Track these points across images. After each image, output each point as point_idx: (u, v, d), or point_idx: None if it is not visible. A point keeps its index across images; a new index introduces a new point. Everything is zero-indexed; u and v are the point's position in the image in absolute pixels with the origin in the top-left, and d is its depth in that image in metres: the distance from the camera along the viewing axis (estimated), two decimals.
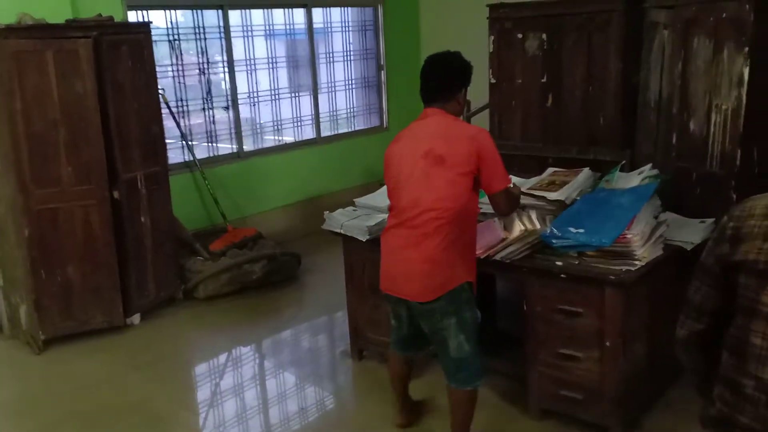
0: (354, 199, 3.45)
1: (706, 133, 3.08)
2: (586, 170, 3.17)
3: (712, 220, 3.00)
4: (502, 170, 2.42)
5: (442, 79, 2.50)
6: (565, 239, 2.62)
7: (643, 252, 2.58)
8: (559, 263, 2.64)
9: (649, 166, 3.12)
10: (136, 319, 4.05)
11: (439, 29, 6.22)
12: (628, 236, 2.55)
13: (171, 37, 4.79)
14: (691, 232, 2.90)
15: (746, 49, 2.86)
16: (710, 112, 3.06)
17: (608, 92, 3.60)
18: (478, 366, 2.54)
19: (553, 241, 2.65)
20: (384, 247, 2.54)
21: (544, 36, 3.76)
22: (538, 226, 2.88)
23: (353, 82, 6.17)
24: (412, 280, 2.42)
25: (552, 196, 2.96)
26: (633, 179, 3.00)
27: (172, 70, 4.82)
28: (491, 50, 3.99)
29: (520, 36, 3.85)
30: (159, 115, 4.15)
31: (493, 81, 4.03)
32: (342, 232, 3.24)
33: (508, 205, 2.53)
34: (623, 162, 3.34)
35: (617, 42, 3.52)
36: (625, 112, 3.57)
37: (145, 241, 4.03)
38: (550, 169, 3.34)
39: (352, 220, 3.24)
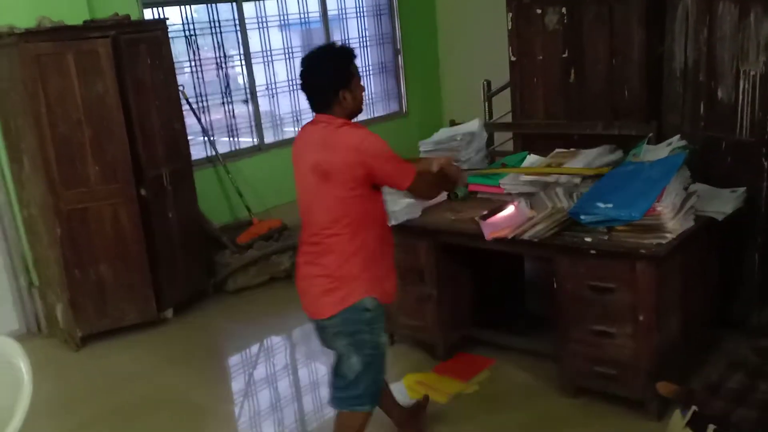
0: None
1: (735, 101, 3.01)
2: (597, 149, 3.13)
3: (743, 189, 2.94)
4: (398, 168, 2.23)
5: (313, 87, 2.25)
6: (594, 215, 2.59)
7: (674, 224, 2.54)
8: (588, 239, 2.61)
9: (677, 137, 3.06)
10: (169, 313, 4.11)
11: (455, 10, 6.15)
12: (659, 209, 2.51)
13: (187, 33, 4.82)
14: (722, 202, 2.84)
15: None
16: (738, 78, 2.99)
17: (632, 64, 3.53)
18: (368, 392, 2.32)
19: (582, 217, 2.62)
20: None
21: (563, 10, 3.69)
22: (565, 203, 2.84)
23: (370, 68, 6.14)
24: (308, 297, 2.31)
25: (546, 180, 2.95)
26: (661, 151, 2.94)
27: (190, 66, 4.85)
28: (510, 27, 3.93)
29: (539, 11, 3.78)
30: (180, 111, 4.18)
31: (513, 59, 3.97)
32: None
33: (429, 190, 2.43)
34: (650, 135, 3.29)
35: (640, 11, 3.44)
36: (651, 83, 3.50)
37: (173, 236, 4.08)
38: (556, 150, 3.30)
39: None
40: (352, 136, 2.20)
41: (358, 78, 2.27)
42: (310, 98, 2.29)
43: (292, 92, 5.47)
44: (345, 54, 2.25)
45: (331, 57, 2.25)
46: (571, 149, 3.29)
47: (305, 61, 2.28)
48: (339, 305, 2.22)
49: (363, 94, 2.31)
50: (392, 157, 2.22)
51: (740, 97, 2.99)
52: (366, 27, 6.08)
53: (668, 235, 2.52)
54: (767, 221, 3.01)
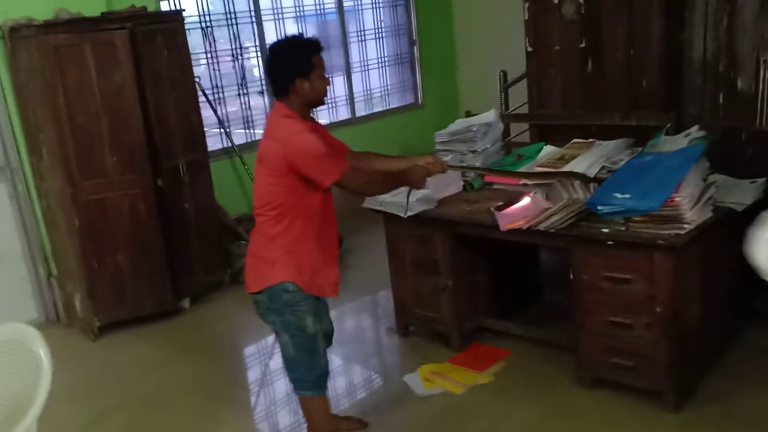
0: None
1: (755, 90, 2.96)
2: (614, 142, 3.10)
3: (763, 179, 2.90)
4: (320, 167, 2.26)
5: (272, 73, 2.33)
6: (611, 205, 2.56)
7: (693, 215, 2.51)
8: (605, 230, 2.59)
9: (696, 127, 3.02)
10: (185, 303, 4.15)
11: (471, 0, 6.12)
12: (677, 199, 2.48)
13: (203, 25, 4.83)
14: (741, 193, 2.80)
15: None
16: (759, 68, 2.93)
17: (651, 53, 3.49)
18: (307, 377, 2.43)
19: (599, 207, 2.59)
20: None
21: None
22: (581, 194, 2.82)
23: (386, 59, 6.13)
24: (245, 272, 2.47)
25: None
26: (680, 142, 2.91)
27: (206, 58, 4.87)
28: (526, 18, 3.90)
29: (556, 1, 3.75)
30: (196, 103, 4.20)
31: (529, 49, 3.94)
32: (382, 209, 3.24)
33: (363, 186, 2.43)
34: (668, 125, 3.25)
35: (659, 0, 3.39)
36: (670, 73, 3.46)
37: (190, 227, 4.11)
38: (573, 141, 3.28)
39: (393, 197, 3.23)
40: (284, 129, 2.30)
41: (321, 71, 2.31)
42: (270, 84, 2.40)
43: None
44: (307, 44, 2.31)
45: (293, 46, 2.31)
46: (589, 140, 3.26)
47: (270, 48, 2.39)
48: (261, 284, 2.36)
49: (326, 87, 2.35)
50: (317, 155, 2.25)
51: (761, 86, 2.94)
52: (382, 18, 6.06)
53: (686, 225, 2.49)
54: None
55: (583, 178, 2.84)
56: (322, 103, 2.41)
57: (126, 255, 3.87)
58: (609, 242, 2.58)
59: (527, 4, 3.88)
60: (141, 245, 3.90)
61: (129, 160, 3.79)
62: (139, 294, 3.95)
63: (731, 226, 2.82)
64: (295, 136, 2.26)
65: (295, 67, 2.27)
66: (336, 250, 2.52)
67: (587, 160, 2.97)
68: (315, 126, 2.44)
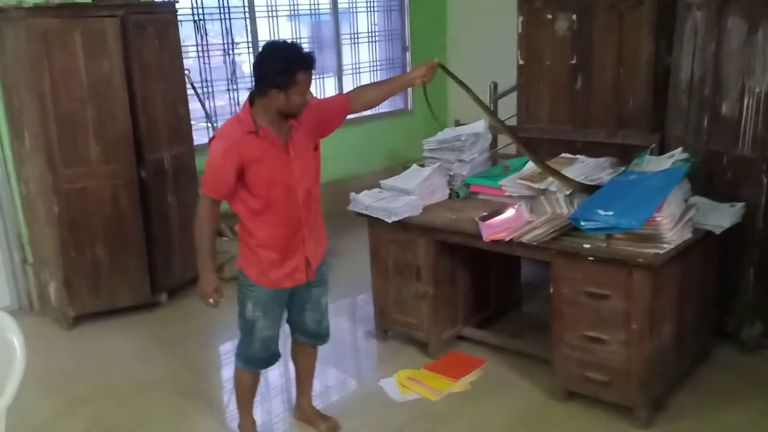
0: (380, 181, 3.45)
1: (739, 116, 3.03)
2: (597, 160, 3.18)
3: (742, 204, 2.96)
4: (204, 177, 2.39)
5: (255, 72, 2.32)
6: (594, 221, 2.60)
7: (672, 235, 2.56)
8: (587, 245, 2.62)
9: (679, 149, 3.07)
10: (163, 297, 4.11)
11: (465, 10, 6.15)
12: (658, 219, 2.52)
13: (196, 17, 4.80)
14: (720, 216, 2.86)
15: None
16: (743, 94, 3.00)
17: (639, 74, 3.55)
18: (241, 350, 2.61)
19: (582, 223, 2.63)
20: None
21: (574, 16, 3.70)
22: (565, 209, 2.85)
23: (378, 63, 6.13)
24: None
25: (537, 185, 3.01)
26: (663, 162, 2.96)
27: (197, 51, 4.84)
28: (520, 31, 3.94)
29: (549, 16, 3.79)
30: (185, 95, 4.16)
31: (521, 62, 3.98)
32: (367, 213, 3.25)
33: (198, 210, 2.44)
34: (653, 145, 3.31)
35: (649, 23, 3.46)
36: (656, 94, 3.52)
37: (171, 220, 4.07)
38: (561, 155, 3.34)
39: (378, 202, 3.24)
40: (220, 130, 2.42)
41: (303, 88, 2.28)
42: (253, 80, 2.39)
43: None
44: (297, 59, 2.26)
45: (283, 56, 2.26)
46: (575, 156, 3.30)
47: (263, 47, 2.36)
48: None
49: (304, 103, 2.32)
50: (209, 165, 2.37)
51: (744, 112, 3.01)
52: (375, 22, 6.07)
53: (666, 245, 2.54)
54: (764, 237, 3.03)
55: (582, 188, 2.89)
56: (294, 117, 2.37)
57: (105, 246, 3.82)
58: (590, 258, 2.61)
59: (521, 18, 3.92)
60: (121, 237, 3.85)
61: (113, 150, 3.75)
62: (116, 286, 3.90)
63: (709, 248, 2.89)
64: (212, 142, 2.38)
65: (276, 77, 2.25)
66: (300, 245, 2.49)
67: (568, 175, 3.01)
68: (294, 125, 2.40)
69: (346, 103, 2.61)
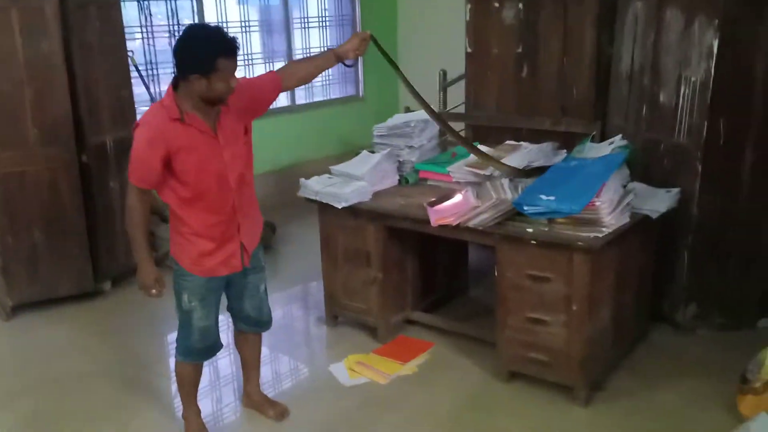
0: (330, 167, 3.45)
1: (675, 105, 3.14)
2: (539, 145, 3.28)
3: (677, 189, 3.09)
4: (130, 166, 2.29)
5: (175, 57, 2.22)
6: (537, 206, 2.66)
7: (611, 219, 2.64)
8: (529, 230, 2.69)
9: (619, 136, 3.17)
10: (106, 285, 4.01)
11: None
12: (597, 203, 2.60)
13: None
14: (657, 202, 2.97)
15: (716, 22, 2.91)
16: (680, 84, 3.11)
17: (582, 64, 3.63)
18: (181, 342, 2.56)
19: (525, 208, 2.69)
20: None
21: (520, 5, 3.75)
22: (509, 194, 2.92)
23: (329, 48, 6.08)
24: None
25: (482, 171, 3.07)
26: (603, 149, 3.06)
27: (141, 33, 4.70)
28: (468, 19, 3.97)
29: (497, 5, 3.83)
30: (128, 78, 4.06)
31: (469, 50, 4.02)
32: (317, 199, 3.24)
33: (127, 202, 2.35)
34: (594, 133, 3.40)
35: (592, 13, 3.54)
36: (598, 83, 3.61)
37: (114, 207, 3.95)
38: (506, 143, 3.42)
39: (328, 188, 3.24)
40: (142, 117, 2.30)
41: (226, 74, 2.18)
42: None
43: (246, 67, 5.38)
44: (218, 45, 2.17)
45: (202, 41, 2.18)
46: (519, 143, 3.37)
47: (182, 32, 2.27)
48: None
49: (228, 89, 2.22)
50: (133, 153, 2.27)
51: (680, 101, 3.12)
52: (326, 7, 6.02)
53: (604, 229, 2.62)
54: (698, 222, 3.16)
55: (518, 173, 2.94)
56: (223, 102, 2.28)
57: (43, 232, 3.70)
58: (532, 241, 2.68)
59: (469, 6, 3.95)
60: (60, 223, 3.73)
61: (52, 133, 3.62)
62: (56, 274, 3.79)
63: (646, 232, 3.00)
64: (137, 128, 2.26)
65: (195, 62, 2.15)
66: (235, 231, 2.43)
67: (512, 161, 3.07)
68: (222, 111, 2.31)
69: (278, 80, 2.53)
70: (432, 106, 3.05)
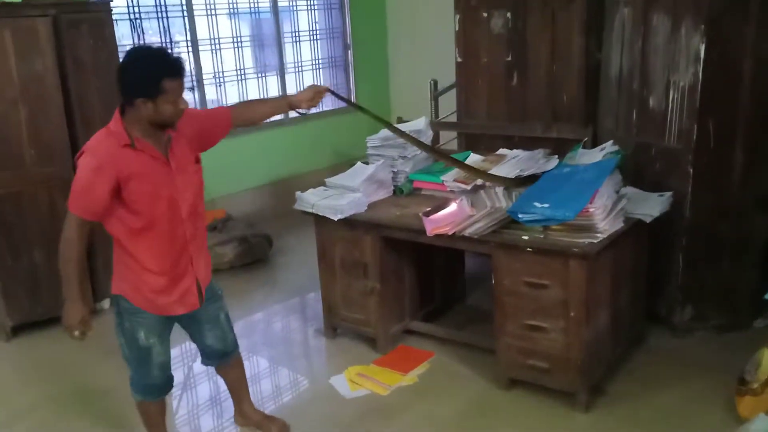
0: (325, 179, 3.47)
1: (665, 109, 3.18)
2: (529, 153, 3.30)
3: (670, 193, 3.12)
4: (72, 196, 2.19)
5: (119, 80, 2.17)
6: (531, 214, 2.69)
7: (605, 225, 2.67)
8: (525, 237, 2.71)
9: (610, 142, 3.21)
10: (105, 304, 4.01)
11: (405, 8, 6.22)
12: (591, 210, 2.63)
13: (132, 16, 4.70)
14: (650, 206, 3.00)
15: (703, 26, 2.95)
16: (668, 88, 3.15)
17: (572, 70, 3.67)
18: (137, 381, 2.49)
19: (520, 215, 2.72)
20: None
21: (508, 14, 3.80)
22: (504, 202, 2.94)
23: (320, 62, 6.13)
24: None
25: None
26: (595, 155, 3.09)
27: None
28: (457, 29, 4.01)
29: (485, 14, 3.88)
30: None
31: (459, 60, 4.06)
32: (313, 211, 3.26)
33: (63, 235, 2.24)
34: (585, 139, 3.44)
35: (580, 20, 3.58)
36: (588, 89, 3.65)
37: None
38: (500, 151, 3.44)
39: (324, 200, 3.26)
40: (86, 145, 2.20)
41: (173, 96, 2.13)
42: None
43: (239, 82, 5.41)
44: (162, 67, 2.12)
45: (146, 64, 2.13)
46: (511, 150, 3.40)
47: (126, 54, 2.20)
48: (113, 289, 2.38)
49: (177, 112, 2.17)
50: (76, 182, 2.18)
51: (670, 105, 3.16)
52: (317, 20, 6.06)
53: (599, 235, 2.65)
54: (691, 224, 3.19)
55: (510, 182, 2.97)
56: (172, 126, 2.22)
57: (43, 252, 3.70)
58: (528, 249, 2.70)
59: (458, 16, 4.00)
60: (59, 242, 3.72)
61: (48, 152, 3.64)
62: (56, 293, 3.72)
63: (640, 236, 3.03)
64: (81, 156, 2.18)
65: (140, 86, 2.10)
66: (188, 265, 2.35)
67: (503, 170, 3.10)
68: (173, 136, 2.25)
69: (228, 116, 2.50)
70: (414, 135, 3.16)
